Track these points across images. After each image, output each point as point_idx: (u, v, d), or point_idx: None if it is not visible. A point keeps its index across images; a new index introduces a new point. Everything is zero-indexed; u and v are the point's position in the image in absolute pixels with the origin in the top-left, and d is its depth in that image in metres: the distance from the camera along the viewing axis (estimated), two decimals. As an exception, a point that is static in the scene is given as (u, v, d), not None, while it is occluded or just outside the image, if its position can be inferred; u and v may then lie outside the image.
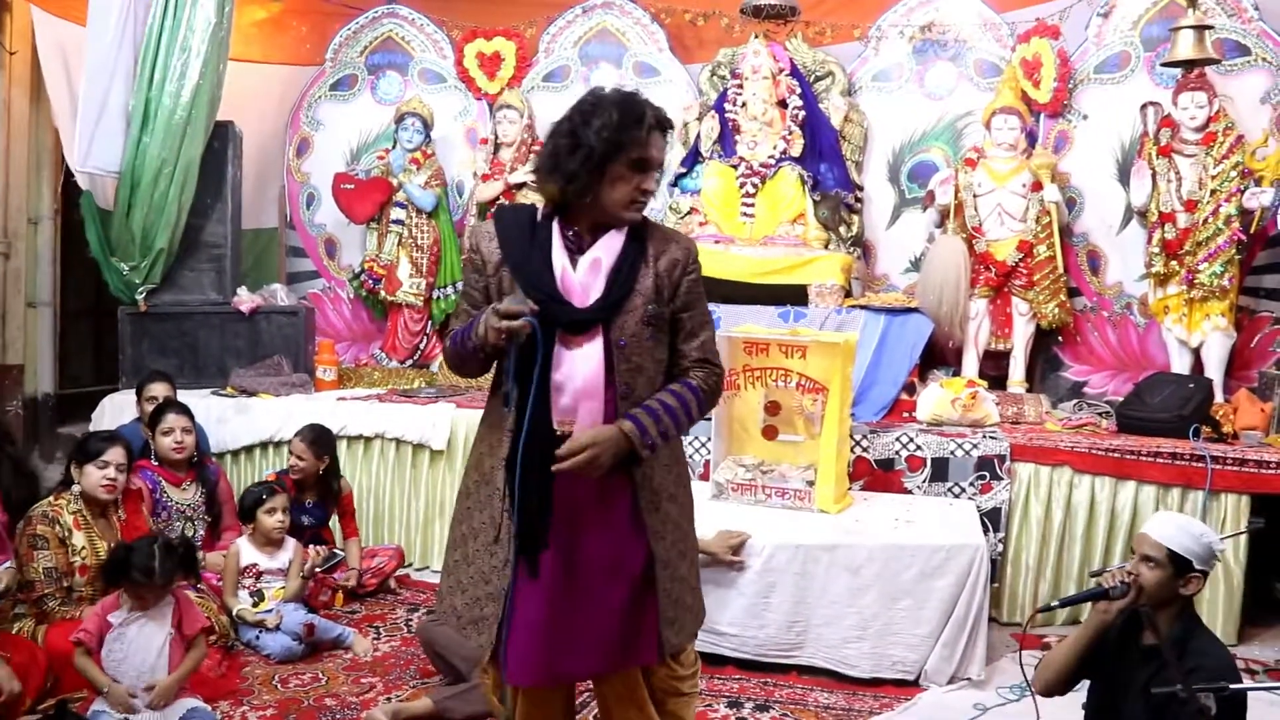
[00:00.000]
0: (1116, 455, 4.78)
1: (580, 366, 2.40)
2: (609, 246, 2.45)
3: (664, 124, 2.48)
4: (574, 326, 2.40)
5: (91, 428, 5.81)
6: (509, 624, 2.42)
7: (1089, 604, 2.88)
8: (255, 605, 4.41)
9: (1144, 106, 5.71)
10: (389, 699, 3.83)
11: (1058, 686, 2.97)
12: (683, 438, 2.64)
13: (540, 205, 2.54)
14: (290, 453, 5.06)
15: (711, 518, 4.15)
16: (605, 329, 2.41)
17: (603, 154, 2.37)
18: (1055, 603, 3.19)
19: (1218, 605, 4.57)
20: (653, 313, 2.45)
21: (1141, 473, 4.74)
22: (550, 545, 2.40)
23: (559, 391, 2.40)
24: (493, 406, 2.55)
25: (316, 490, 5.02)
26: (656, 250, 2.49)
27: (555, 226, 2.47)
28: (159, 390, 5.18)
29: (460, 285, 6.98)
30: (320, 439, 5.04)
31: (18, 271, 6.96)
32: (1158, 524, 2.86)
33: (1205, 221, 5.37)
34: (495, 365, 2.53)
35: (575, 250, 2.46)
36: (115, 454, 4.01)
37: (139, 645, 3.47)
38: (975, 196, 5.94)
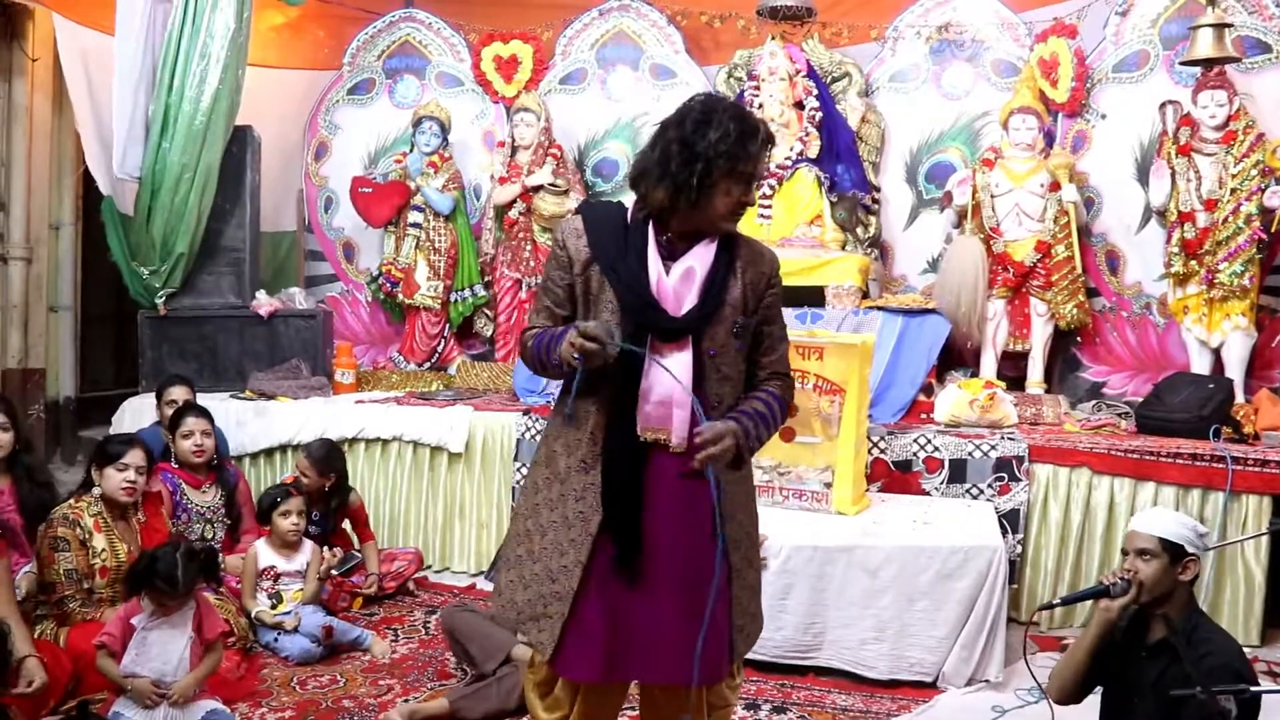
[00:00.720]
0: (1136, 456, 4.75)
1: (666, 373, 2.39)
2: (702, 256, 2.44)
3: (772, 139, 2.50)
4: (666, 335, 2.40)
5: (112, 431, 5.84)
6: (574, 623, 2.43)
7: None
8: (274, 607, 4.43)
9: (1163, 105, 5.68)
10: (406, 701, 3.84)
11: (1072, 693, 2.96)
12: None
13: (629, 205, 2.53)
14: (296, 467, 5.08)
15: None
16: (696, 338, 2.41)
17: (718, 166, 2.35)
18: (1056, 601, 3.20)
19: (1239, 607, 4.54)
20: (741, 324, 2.47)
21: (1161, 474, 4.70)
22: (636, 547, 2.41)
23: (644, 399, 2.40)
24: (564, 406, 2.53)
25: (321, 504, 5.01)
26: (745, 262, 2.50)
27: (650, 231, 2.46)
28: (179, 394, 5.21)
29: (477, 289, 7.02)
30: (327, 457, 5.03)
31: (40, 276, 7.02)
32: (1143, 519, 2.94)
33: (1225, 221, 5.33)
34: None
35: (668, 256, 2.45)
36: (135, 456, 4.03)
37: (160, 649, 3.48)
38: (993, 197, 5.92)
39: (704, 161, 2.34)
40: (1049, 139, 6.07)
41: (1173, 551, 2.80)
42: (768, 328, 2.56)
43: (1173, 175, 5.53)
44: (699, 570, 2.41)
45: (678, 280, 2.43)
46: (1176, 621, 2.77)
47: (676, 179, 2.36)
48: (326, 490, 5.00)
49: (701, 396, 2.40)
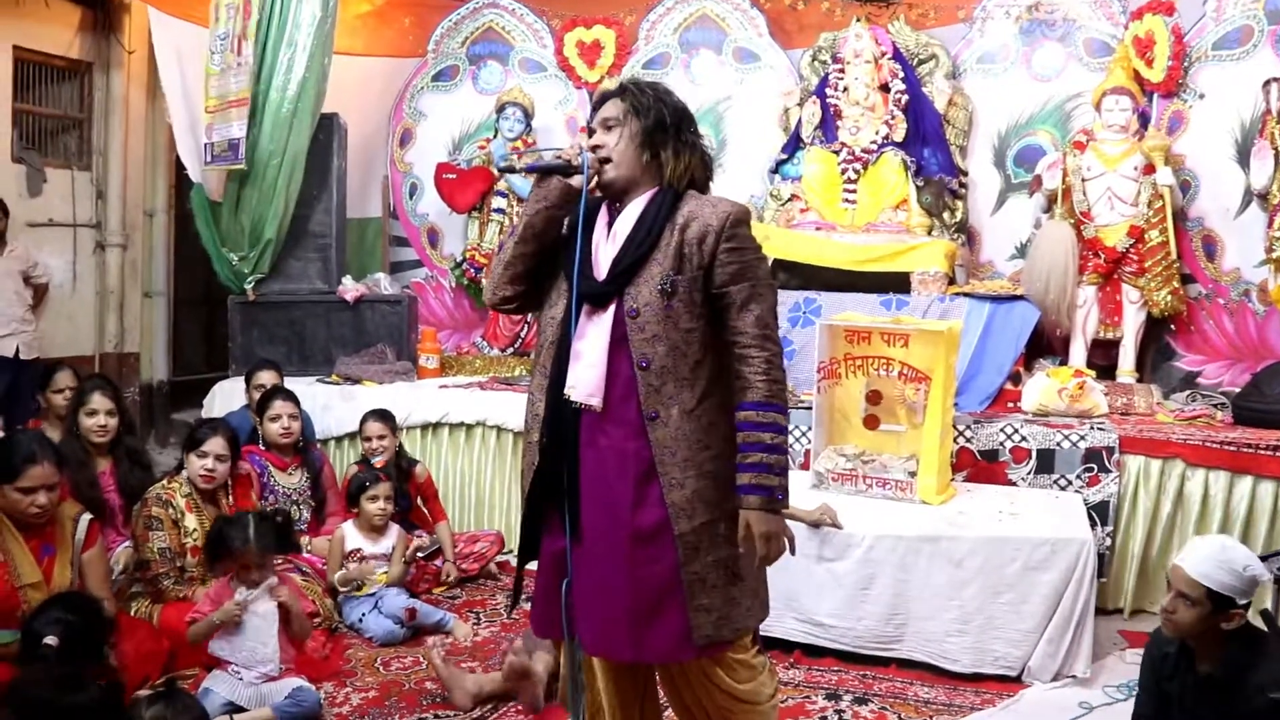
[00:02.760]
0: (1233, 448, 4.60)
1: (592, 336, 2.40)
2: (628, 216, 2.45)
3: (611, 95, 2.57)
4: (594, 300, 2.41)
5: (203, 414, 5.98)
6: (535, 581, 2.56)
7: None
8: (359, 589, 4.49)
9: (1266, 84, 5.48)
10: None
11: None
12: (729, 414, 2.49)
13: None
14: (366, 438, 5.08)
15: (811, 508, 4.12)
16: (621, 299, 2.39)
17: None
18: None
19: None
20: (672, 281, 2.36)
21: (1260, 467, 4.55)
22: (576, 511, 2.41)
23: (576, 358, 2.41)
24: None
25: (395, 473, 5.00)
26: (687, 217, 2.40)
27: (604, 203, 2.50)
28: (267, 378, 5.31)
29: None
30: (389, 416, 5.14)
31: (135, 263, 7.22)
32: (1193, 556, 2.65)
33: (1331, 204, 5.15)
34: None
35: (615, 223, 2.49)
36: (214, 444, 4.17)
37: (250, 628, 3.59)
38: (1084, 180, 5.78)
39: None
40: (1143, 120, 5.90)
41: (1218, 601, 2.56)
42: (733, 287, 2.37)
43: (1275, 156, 5.35)
44: (618, 539, 2.37)
45: (608, 244, 2.45)
46: (1223, 655, 2.59)
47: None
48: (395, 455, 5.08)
49: (625, 356, 2.37)
